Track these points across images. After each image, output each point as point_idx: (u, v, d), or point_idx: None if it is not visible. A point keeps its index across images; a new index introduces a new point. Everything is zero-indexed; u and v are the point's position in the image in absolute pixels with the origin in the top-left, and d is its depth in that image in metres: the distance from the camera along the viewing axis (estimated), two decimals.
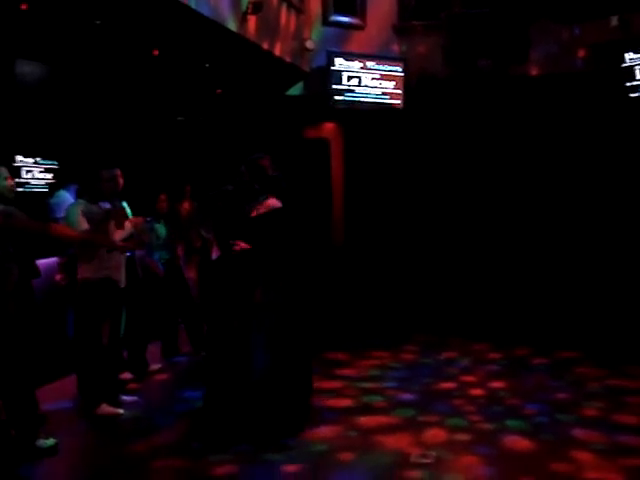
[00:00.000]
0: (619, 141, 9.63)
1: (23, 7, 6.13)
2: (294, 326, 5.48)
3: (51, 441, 4.93)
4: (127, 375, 6.87)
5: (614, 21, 9.21)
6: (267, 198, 5.60)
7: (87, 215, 5.71)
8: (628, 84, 9.21)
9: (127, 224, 5.93)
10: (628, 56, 9.17)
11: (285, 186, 5.78)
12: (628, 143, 9.57)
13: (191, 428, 5.46)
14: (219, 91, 9.65)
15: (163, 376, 7.20)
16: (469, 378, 6.81)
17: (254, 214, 5.55)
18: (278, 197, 5.65)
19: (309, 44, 9.65)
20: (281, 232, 5.57)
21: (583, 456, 4.77)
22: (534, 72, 10.12)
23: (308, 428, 5.37)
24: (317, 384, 6.65)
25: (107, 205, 5.93)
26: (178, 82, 9.11)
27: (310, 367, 5.73)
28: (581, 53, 9.82)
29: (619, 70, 9.25)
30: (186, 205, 8.44)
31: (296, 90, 10.14)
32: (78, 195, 6.30)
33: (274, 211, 5.55)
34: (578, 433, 5.23)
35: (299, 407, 5.46)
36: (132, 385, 6.72)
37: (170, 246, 7.90)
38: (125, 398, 6.07)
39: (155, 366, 7.34)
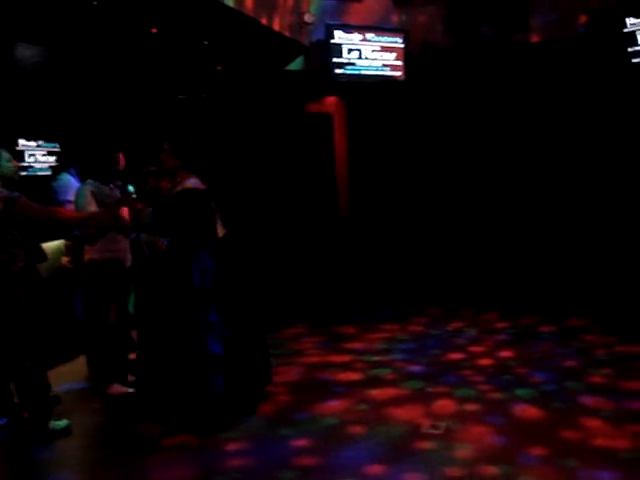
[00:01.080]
0: (621, 107, 9.55)
1: None
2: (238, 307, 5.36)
3: (64, 422, 4.98)
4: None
5: None
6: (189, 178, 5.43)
7: (97, 196, 5.73)
8: (630, 49, 9.11)
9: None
10: (629, 21, 9.06)
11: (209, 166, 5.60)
12: (630, 109, 9.49)
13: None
14: (219, 68, 9.60)
15: None
16: (477, 348, 6.85)
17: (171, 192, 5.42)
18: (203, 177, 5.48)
19: (308, 17, 9.56)
20: (192, 213, 5.37)
21: (592, 423, 4.80)
22: (535, 39, 10.02)
23: (319, 402, 5.42)
24: (326, 358, 6.74)
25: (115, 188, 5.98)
26: (178, 60, 9.06)
27: (265, 348, 5.57)
28: (582, 19, 9.71)
29: (621, 35, 9.16)
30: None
31: (296, 65, 10.07)
32: (82, 177, 6.31)
33: (187, 191, 5.37)
34: (586, 400, 5.26)
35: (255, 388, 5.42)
36: None
37: None
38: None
39: None
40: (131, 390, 5.77)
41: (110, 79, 9.17)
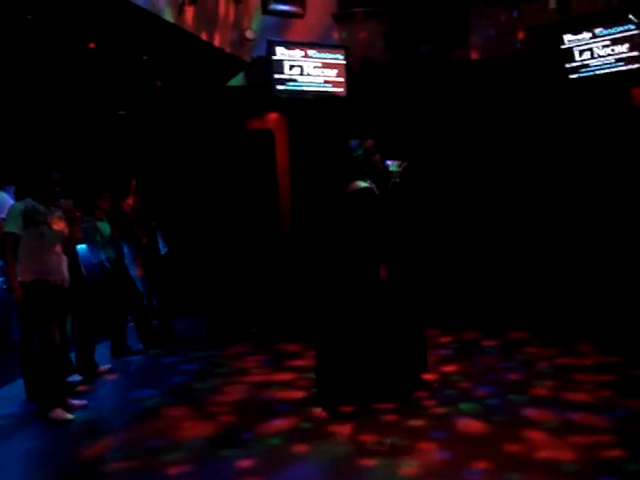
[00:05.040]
0: (560, 122, 9.75)
1: None
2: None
3: None
4: (76, 377, 6.76)
5: (552, 3, 9.30)
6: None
7: (29, 215, 5.58)
8: (567, 65, 9.33)
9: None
10: (567, 38, 9.28)
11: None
12: (568, 124, 9.70)
13: (144, 428, 5.40)
14: (159, 83, 9.50)
15: (113, 376, 7.10)
16: None
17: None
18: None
19: (249, 34, 9.55)
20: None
21: (535, 435, 4.81)
22: (475, 56, 10.18)
23: (263, 421, 5.35)
24: (270, 376, 6.67)
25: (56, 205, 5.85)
26: (117, 75, 8.93)
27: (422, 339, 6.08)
28: (520, 36, 9.90)
29: (558, 52, 9.36)
30: (130, 201, 8.31)
31: (238, 81, 10.04)
32: (17, 195, 6.15)
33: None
34: (530, 413, 5.28)
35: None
36: (81, 387, 6.61)
37: (115, 244, 7.80)
38: (74, 402, 5.95)
39: (105, 367, 7.22)
40: (72, 417, 5.62)
41: (48, 95, 8.98)
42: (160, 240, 8.59)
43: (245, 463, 4.58)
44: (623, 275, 8.84)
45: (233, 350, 7.89)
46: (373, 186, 5.92)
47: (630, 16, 8.09)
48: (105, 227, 7.68)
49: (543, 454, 4.48)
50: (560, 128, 9.76)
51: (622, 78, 8.89)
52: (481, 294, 9.48)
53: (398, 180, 6.02)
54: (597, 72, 9.06)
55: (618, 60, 8.81)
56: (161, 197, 9.29)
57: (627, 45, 8.68)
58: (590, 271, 9.18)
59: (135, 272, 8.22)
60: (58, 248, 5.77)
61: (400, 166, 6.06)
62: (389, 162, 6.08)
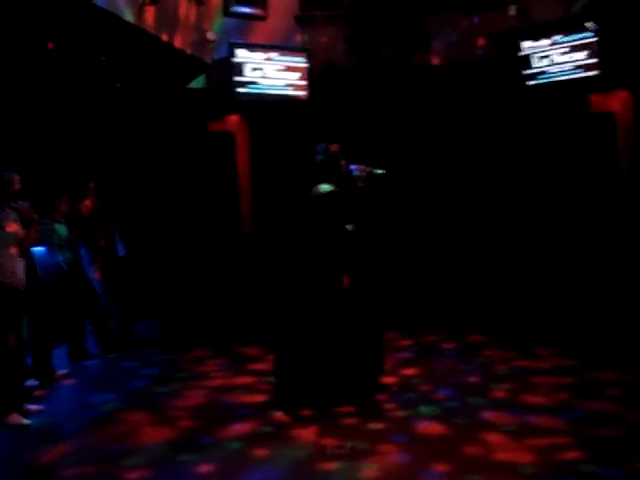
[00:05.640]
0: (518, 128, 9.86)
1: None
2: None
3: None
4: (32, 382, 6.65)
5: (512, 10, 9.41)
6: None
7: None
8: (526, 72, 9.43)
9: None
10: (525, 44, 9.38)
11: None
12: (527, 130, 9.81)
13: (102, 433, 5.33)
14: (119, 85, 9.39)
15: (71, 381, 7.00)
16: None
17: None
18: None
19: (210, 35, 9.49)
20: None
21: (494, 438, 4.86)
22: (436, 61, 10.25)
23: (223, 425, 5.32)
24: (230, 380, 6.64)
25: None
26: (75, 76, 8.81)
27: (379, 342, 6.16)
28: (480, 42, 9.99)
29: (517, 58, 9.46)
30: (88, 203, 8.21)
31: (199, 83, 9.97)
32: None
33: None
34: (488, 415, 5.33)
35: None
36: (38, 392, 6.51)
37: (73, 246, 7.70)
38: (31, 407, 5.85)
39: (62, 371, 7.12)
40: (28, 422, 5.53)
41: (4, 96, 8.83)
42: (118, 242, 8.49)
43: (205, 468, 4.55)
44: (580, 280, 8.96)
45: (193, 354, 7.84)
46: (337, 190, 5.93)
47: (588, 24, 8.21)
48: (63, 229, 7.58)
49: (501, 456, 4.53)
50: (519, 134, 9.87)
51: (580, 85, 9.01)
52: (441, 298, 9.54)
53: (362, 184, 6.04)
54: (555, 79, 9.17)
55: (576, 67, 8.92)
56: (120, 199, 9.18)
57: (585, 52, 8.80)
58: (547, 275, 9.29)
59: (93, 275, 8.13)
60: (13, 250, 5.68)
61: (364, 171, 6.08)
62: (353, 167, 6.10)
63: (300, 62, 10.18)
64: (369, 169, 6.12)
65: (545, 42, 9.23)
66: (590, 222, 9.15)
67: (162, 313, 9.49)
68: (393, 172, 10.03)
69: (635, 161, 8.97)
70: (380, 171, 6.16)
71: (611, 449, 4.54)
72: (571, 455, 4.47)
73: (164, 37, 8.25)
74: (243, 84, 9.76)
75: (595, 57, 8.72)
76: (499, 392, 5.90)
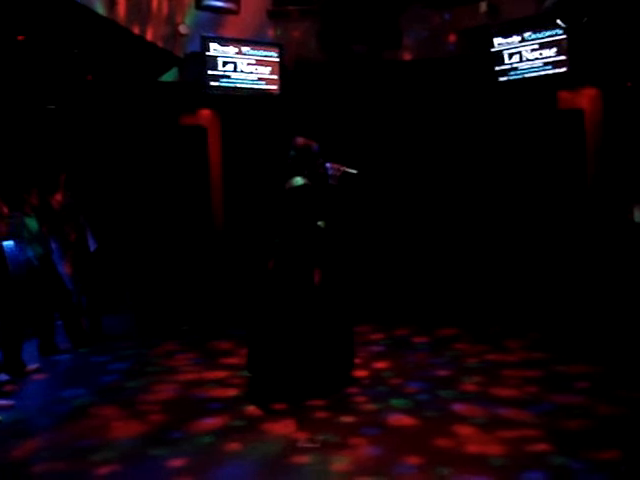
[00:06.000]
0: (489, 124, 9.95)
1: None
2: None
3: None
4: (3, 377, 6.60)
5: (483, 6, 9.48)
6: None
7: None
8: (497, 68, 9.50)
9: None
10: (497, 41, 9.45)
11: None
12: (497, 126, 9.90)
13: (73, 428, 5.31)
14: (90, 77, 9.32)
15: (41, 376, 6.95)
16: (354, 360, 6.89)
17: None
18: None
19: (182, 29, 9.44)
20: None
21: (464, 430, 4.92)
22: (407, 57, 10.29)
23: (194, 420, 5.32)
24: (201, 374, 6.63)
25: None
26: (46, 69, 8.72)
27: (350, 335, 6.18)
28: (452, 38, 10.05)
29: (489, 55, 9.53)
30: (59, 197, 8.13)
31: (170, 76, 9.91)
32: None
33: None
34: (459, 408, 5.39)
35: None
36: (8, 387, 6.46)
37: (43, 240, 7.64)
38: (1, 402, 5.81)
39: (32, 366, 7.07)
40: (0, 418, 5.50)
41: None
42: (89, 237, 8.44)
43: (176, 462, 4.55)
44: (548, 274, 9.07)
45: (164, 348, 7.81)
46: (310, 184, 5.94)
47: (558, 21, 8.29)
48: (33, 223, 7.51)
49: (472, 448, 4.58)
50: (489, 130, 9.96)
51: (549, 81, 9.11)
52: (412, 292, 9.61)
53: (334, 183, 6.06)
54: (525, 75, 9.25)
55: (546, 64, 9.02)
56: (91, 193, 9.12)
57: (555, 49, 8.89)
58: (517, 270, 9.39)
59: (63, 269, 8.07)
60: None
61: (338, 170, 6.10)
62: (328, 165, 6.12)
63: (272, 56, 10.16)
64: (343, 168, 6.14)
65: (516, 39, 9.31)
66: (558, 217, 9.26)
67: (133, 307, 9.45)
68: (364, 167, 10.14)
69: (602, 158, 9.10)
70: (353, 171, 6.17)
71: (579, 441, 4.61)
72: (540, 447, 4.54)
73: (136, 30, 8.18)
74: (215, 78, 9.72)
75: (564, 54, 8.82)
76: (469, 385, 5.96)
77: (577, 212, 9.13)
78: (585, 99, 9.17)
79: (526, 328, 7.92)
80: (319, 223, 5.97)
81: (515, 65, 9.34)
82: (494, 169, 9.91)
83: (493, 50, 9.49)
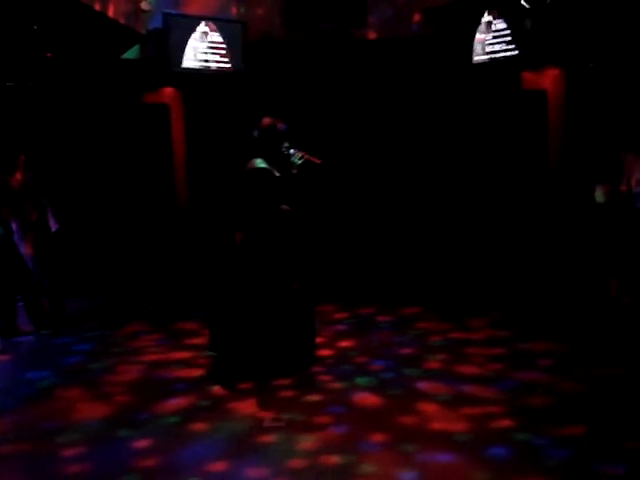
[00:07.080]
0: (452, 104, 9.98)
1: None
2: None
3: None
4: None
5: None
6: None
7: None
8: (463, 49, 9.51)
9: None
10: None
11: None
12: (460, 106, 9.93)
13: (37, 410, 5.26)
14: (49, 55, 9.15)
15: (3, 357, 6.86)
16: (317, 339, 6.90)
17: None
18: None
19: (144, 5, 9.32)
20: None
21: (429, 408, 4.96)
22: (372, 36, 10.27)
23: (160, 401, 5.30)
24: (167, 355, 6.60)
25: None
26: (5, 45, 8.56)
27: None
28: (417, 17, 10.04)
29: (455, 35, 9.53)
30: (18, 176, 7.99)
31: (133, 53, 9.78)
32: None
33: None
34: (423, 386, 5.44)
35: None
36: None
37: (3, 221, 7.52)
38: None
39: None
40: None
41: None
42: (51, 217, 8.31)
43: (142, 443, 4.53)
44: (511, 252, 9.17)
45: (129, 329, 7.74)
46: (271, 168, 5.90)
47: (522, 1, 8.33)
48: None
49: (436, 425, 4.63)
50: (453, 110, 9.99)
51: (513, 62, 9.15)
52: (376, 272, 9.66)
53: (295, 171, 6.01)
54: (492, 56, 9.28)
55: (510, 44, 9.06)
56: (52, 173, 8.98)
57: (519, 30, 8.92)
58: (479, 249, 9.48)
59: (24, 250, 7.94)
60: None
61: (302, 158, 6.05)
62: (293, 151, 6.07)
63: (235, 34, 10.07)
64: (307, 157, 6.09)
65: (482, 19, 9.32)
66: (521, 197, 9.35)
67: (96, 288, 9.36)
68: (329, 144, 10.14)
69: (565, 138, 9.18)
70: (317, 161, 6.11)
71: (542, 417, 4.69)
72: (503, 423, 4.60)
73: (97, 6, 8.08)
74: (178, 55, 9.62)
75: (528, 35, 8.85)
76: (433, 363, 6.01)
77: (540, 192, 9.21)
78: (548, 80, 9.23)
79: (489, 306, 8.00)
80: (282, 206, 5.95)
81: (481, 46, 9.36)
82: (459, 148, 9.96)
83: (460, 30, 9.48)
